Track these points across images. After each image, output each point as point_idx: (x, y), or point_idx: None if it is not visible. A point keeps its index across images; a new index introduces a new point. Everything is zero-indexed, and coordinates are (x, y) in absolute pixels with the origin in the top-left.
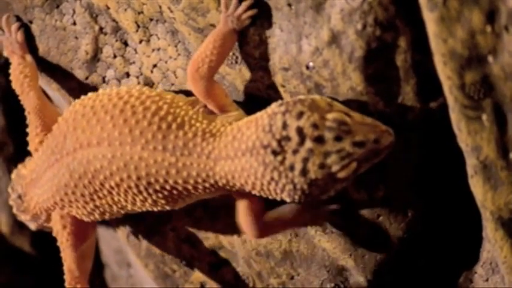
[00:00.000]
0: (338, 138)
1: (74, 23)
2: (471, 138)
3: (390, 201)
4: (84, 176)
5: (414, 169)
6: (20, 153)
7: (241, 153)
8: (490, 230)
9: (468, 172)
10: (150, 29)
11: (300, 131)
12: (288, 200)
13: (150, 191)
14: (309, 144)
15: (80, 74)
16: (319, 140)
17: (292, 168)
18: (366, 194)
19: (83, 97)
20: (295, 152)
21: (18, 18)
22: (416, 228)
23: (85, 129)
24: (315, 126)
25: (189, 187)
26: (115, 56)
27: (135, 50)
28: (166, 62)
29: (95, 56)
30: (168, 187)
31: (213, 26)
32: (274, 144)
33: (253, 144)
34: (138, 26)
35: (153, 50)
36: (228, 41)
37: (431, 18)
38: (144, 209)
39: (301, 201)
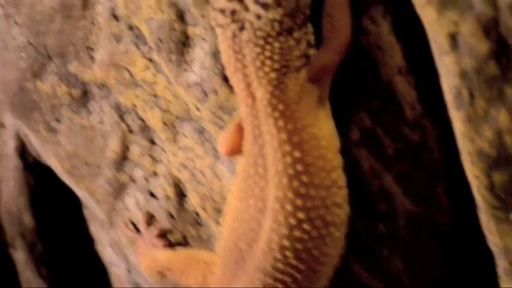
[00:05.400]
0: None
1: (102, 122)
2: (501, 240)
3: None
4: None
5: (443, 267)
6: (49, 253)
7: (241, 65)
8: None
9: (499, 274)
10: (177, 127)
11: None
12: (299, 36)
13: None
14: None
15: (107, 173)
16: None
17: (258, 16)
18: None
19: (225, 224)
20: (246, 9)
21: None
22: None
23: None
24: None
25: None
26: (142, 155)
27: (163, 148)
28: (193, 161)
29: (123, 155)
30: None
31: None
32: (234, 26)
33: (232, 49)
34: (165, 125)
35: (180, 149)
36: None
37: (458, 117)
38: None
39: (300, 22)
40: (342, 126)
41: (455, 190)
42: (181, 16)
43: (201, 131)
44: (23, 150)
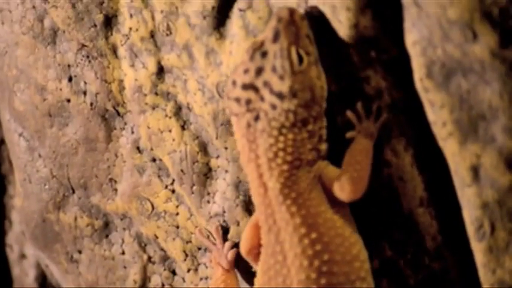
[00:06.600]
0: (263, 54)
1: (123, 253)
2: None
3: None
4: None
5: None
6: None
7: (254, 155)
8: None
9: None
10: (198, 258)
11: (245, 85)
12: (314, 126)
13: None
14: (258, 82)
15: None
16: (259, 71)
17: (273, 106)
18: None
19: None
20: (261, 98)
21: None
22: None
23: None
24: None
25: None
26: (163, 285)
27: (183, 278)
28: None
29: (143, 285)
30: None
31: None
32: (249, 115)
33: (247, 138)
34: (186, 255)
35: (201, 279)
36: None
37: (480, 248)
38: None
39: (316, 114)
40: None
41: None
42: (204, 148)
43: None
44: (43, 281)
